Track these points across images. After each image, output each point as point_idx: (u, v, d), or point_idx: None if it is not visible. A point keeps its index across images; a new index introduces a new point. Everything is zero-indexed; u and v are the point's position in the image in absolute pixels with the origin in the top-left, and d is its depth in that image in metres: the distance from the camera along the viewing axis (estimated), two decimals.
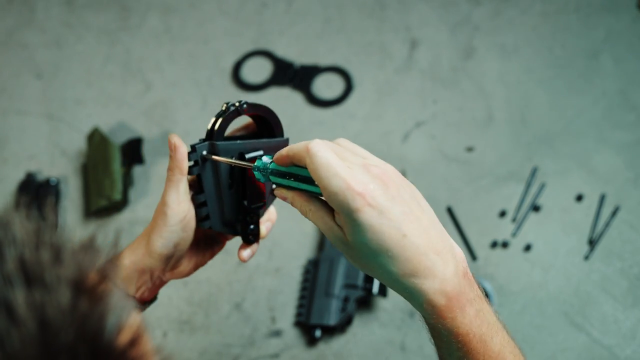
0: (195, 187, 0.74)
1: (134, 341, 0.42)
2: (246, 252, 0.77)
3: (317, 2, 1.60)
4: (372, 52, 1.52)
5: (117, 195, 1.32)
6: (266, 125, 0.76)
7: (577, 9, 1.51)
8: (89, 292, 0.41)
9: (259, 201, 0.75)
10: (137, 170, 1.39)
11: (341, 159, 0.59)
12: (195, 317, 1.22)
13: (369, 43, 1.53)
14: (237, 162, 0.70)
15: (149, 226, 0.74)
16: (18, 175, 1.40)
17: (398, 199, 0.58)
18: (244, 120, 0.77)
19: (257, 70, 1.52)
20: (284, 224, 1.29)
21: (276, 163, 0.65)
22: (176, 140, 0.71)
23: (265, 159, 0.67)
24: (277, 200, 0.73)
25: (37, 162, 1.43)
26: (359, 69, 1.49)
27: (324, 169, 0.58)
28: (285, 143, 0.75)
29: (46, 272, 0.41)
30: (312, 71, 1.50)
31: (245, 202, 0.74)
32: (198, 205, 0.73)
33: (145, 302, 0.77)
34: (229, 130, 0.75)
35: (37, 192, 1.35)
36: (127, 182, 1.35)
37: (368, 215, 0.56)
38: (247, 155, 0.72)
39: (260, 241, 0.79)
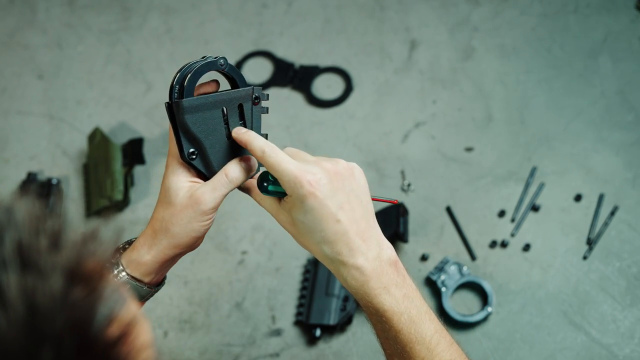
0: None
1: (124, 335, 0.42)
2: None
3: (317, 2, 1.61)
4: (372, 52, 1.52)
5: (118, 195, 1.33)
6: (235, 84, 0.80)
7: (576, 9, 1.51)
8: (83, 282, 0.41)
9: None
10: (138, 170, 1.39)
11: (294, 159, 0.71)
12: (195, 317, 1.22)
13: (368, 43, 1.53)
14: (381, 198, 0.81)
15: (155, 222, 0.76)
16: (19, 176, 1.40)
17: (340, 191, 0.71)
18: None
19: (258, 71, 1.53)
20: None
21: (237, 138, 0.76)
22: None
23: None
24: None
25: (38, 162, 1.43)
26: (358, 69, 1.50)
27: (277, 165, 0.70)
28: (247, 92, 0.78)
29: (42, 258, 0.41)
30: (312, 71, 1.50)
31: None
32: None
33: (156, 285, 0.79)
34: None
35: (38, 193, 1.35)
36: (128, 182, 1.36)
37: (312, 201, 0.69)
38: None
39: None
